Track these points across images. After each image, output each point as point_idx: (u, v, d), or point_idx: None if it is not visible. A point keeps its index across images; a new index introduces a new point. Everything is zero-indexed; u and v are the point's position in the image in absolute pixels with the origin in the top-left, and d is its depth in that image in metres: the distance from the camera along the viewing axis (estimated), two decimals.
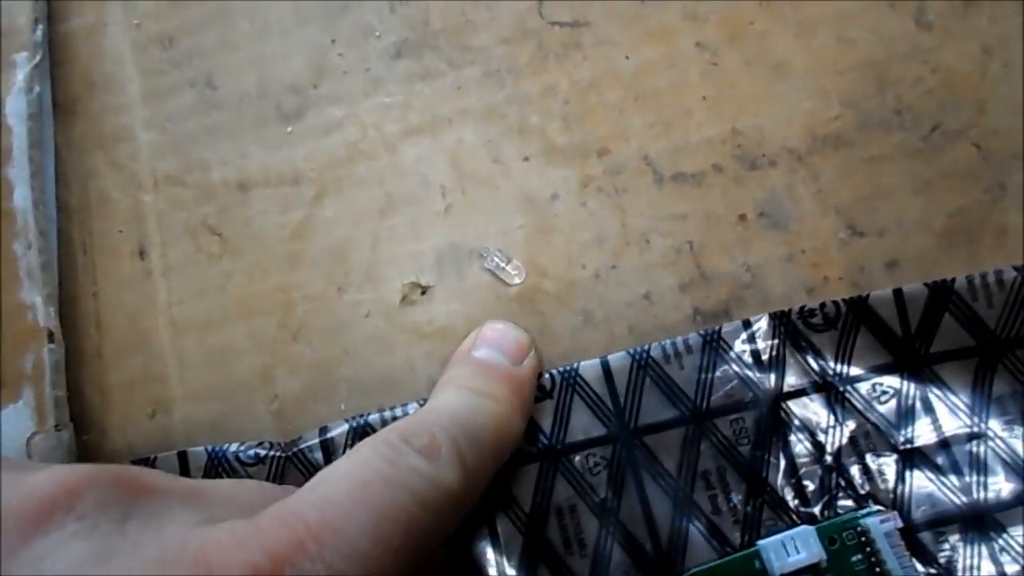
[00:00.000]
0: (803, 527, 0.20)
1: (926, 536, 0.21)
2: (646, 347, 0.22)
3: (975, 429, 0.21)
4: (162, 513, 0.15)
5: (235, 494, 0.17)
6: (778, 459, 0.21)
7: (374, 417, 0.22)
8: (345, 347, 0.23)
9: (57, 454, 0.21)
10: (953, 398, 0.22)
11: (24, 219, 0.23)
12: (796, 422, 0.22)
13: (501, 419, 0.19)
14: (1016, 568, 0.21)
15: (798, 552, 0.20)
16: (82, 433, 0.23)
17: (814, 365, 0.22)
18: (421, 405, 0.22)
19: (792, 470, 0.21)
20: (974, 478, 0.21)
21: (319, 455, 0.22)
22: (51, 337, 0.22)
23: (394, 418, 0.22)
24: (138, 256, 0.25)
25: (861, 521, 0.20)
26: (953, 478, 0.21)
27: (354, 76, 0.26)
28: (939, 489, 0.21)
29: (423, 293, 0.24)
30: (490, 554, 0.21)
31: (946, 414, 0.22)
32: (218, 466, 0.22)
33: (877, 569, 0.20)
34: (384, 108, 0.25)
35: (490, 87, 0.25)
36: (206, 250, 0.25)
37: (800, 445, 0.21)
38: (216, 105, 0.26)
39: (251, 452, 0.22)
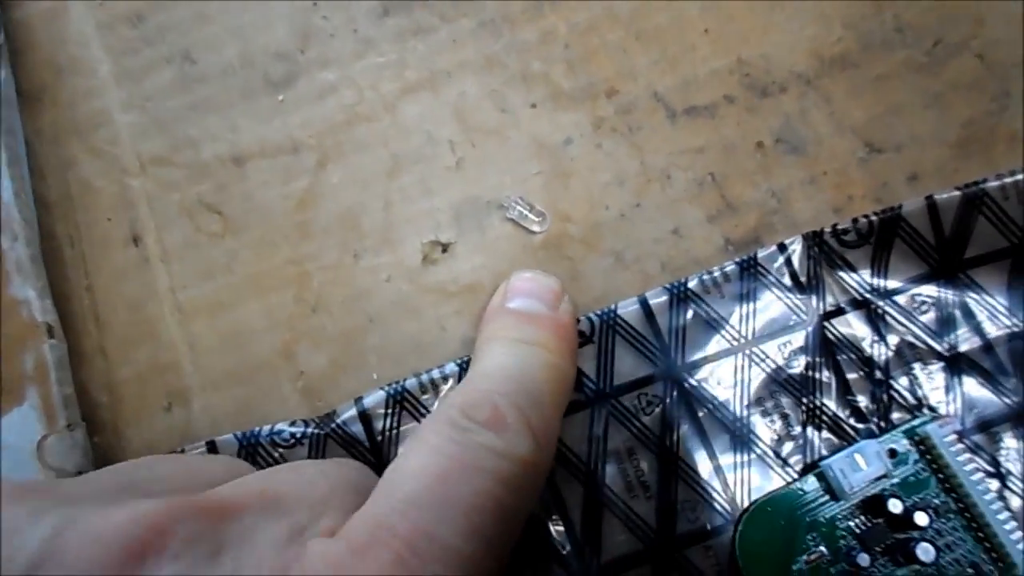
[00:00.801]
0: (864, 442, 0.20)
1: (981, 438, 0.21)
2: (683, 280, 0.21)
3: (1015, 329, 0.21)
4: (251, 536, 0.14)
5: (303, 487, 0.16)
6: (829, 379, 0.21)
7: (411, 382, 0.21)
8: (369, 314, 0.22)
9: (74, 456, 0.19)
10: (991, 301, 0.22)
11: (7, 211, 0.21)
12: (842, 340, 0.21)
13: (555, 369, 0.19)
14: None
15: (863, 467, 0.19)
16: (93, 435, 0.22)
17: (853, 282, 0.22)
18: (459, 365, 0.21)
19: (844, 388, 0.21)
20: (1020, 376, 0.21)
21: (359, 427, 0.20)
22: (51, 332, 0.20)
23: (431, 381, 0.21)
24: (132, 243, 0.23)
25: (919, 429, 0.20)
26: (1001, 379, 0.21)
27: (342, 38, 0.25)
28: (988, 391, 0.21)
29: (444, 251, 0.23)
30: (551, 507, 0.20)
31: (986, 318, 0.22)
32: (252, 452, 0.20)
33: (940, 475, 0.20)
34: (378, 68, 0.24)
35: (486, 37, 0.24)
36: (206, 230, 0.23)
37: (848, 363, 0.21)
38: (198, 80, 0.25)
39: (286, 433, 0.20)
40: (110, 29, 0.25)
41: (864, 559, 0.19)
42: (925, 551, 0.19)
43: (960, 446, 0.20)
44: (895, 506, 0.19)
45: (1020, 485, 0.20)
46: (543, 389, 0.18)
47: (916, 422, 0.20)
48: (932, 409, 0.21)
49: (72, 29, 0.25)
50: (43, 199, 0.24)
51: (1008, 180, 0.21)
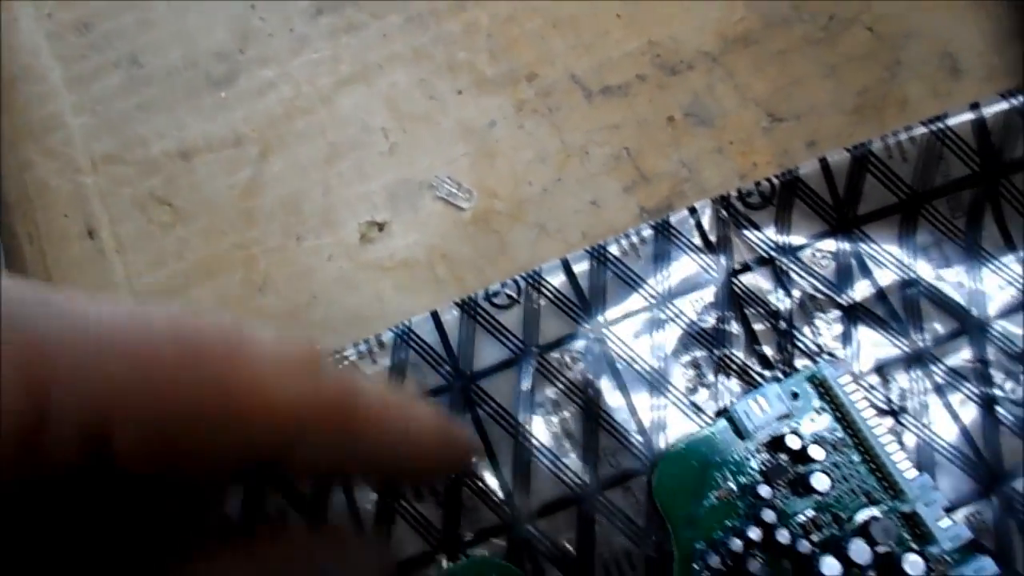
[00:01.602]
0: (767, 385, 0.22)
1: (875, 380, 0.23)
2: (602, 243, 0.23)
3: (906, 278, 0.23)
4: None
5: None
6: (738, 331, 0.23)
7: (350, 351, 0.22)
8: (312, 292, 0.24)
9: None
10: (883, 253, 0.24)
11: None
12: (749, 295, 0.23)
13: None
14: (958, 396, 0.23)
15: (766, 408, 0.21)
16: None
17: (758, 241, 0.24)
18: (395, 333, 0.23)
19: (752, 338, 0.23)
20: (912, 323, 0.23)
21: None
22: None
23: (368, 349, 0.22)
24: (88, 237, 0.25)
25: (818, 373, 0.22)
26: (893, 324, 0.23)
27: (279, 37, 0.26)
28: (882, 336, 0.23)
29: (380, 230, 0.24)
30: (484, 462, 0.22)
31: (879, 269, 0.23)
32: None
33: (838, 414, 0.22)
34: (314, 64, 0.26)
35: (414, 31, 0.26)
36: (158, 221, 0.25)
37: (755, 315, 0.23)
38: (144, 82, 0.26)
39: None
40: (59, 38, 0.26)
41: (766, 491, 0.21)
42: (819, 480, 0.21)
43: (854, 386, 0.22)
44: (793, 442, 0.21)
45: (912, 421, 0.22)
46: None
47: (815, 367, 0.22)
48: (831, 355, 0.23)
49: (23, 39, 0.27)
50: (3, 200, 0.25)
51: (891, 140, 0.23)
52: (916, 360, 0.23)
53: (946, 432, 0.22)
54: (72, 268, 0.25)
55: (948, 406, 0.23)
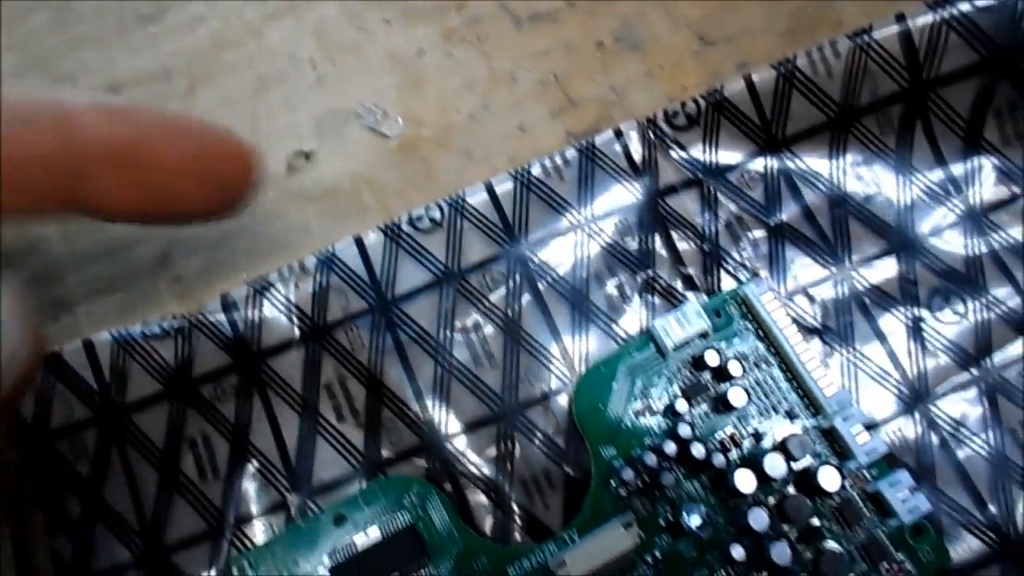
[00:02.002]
0: (687, 303, 0.21)
1: (801, 299, 0.23)
2: (526, 166, 0.23)
3: (835, 197, 0.23)
4: None
5: None
6: (663, 252, 0.23)
7: (273, 276, 0.22)
8: (239, 221, 0.24)
9: None
10: (812, 173, 0.23)
11: None
12: (675, 217, 0.23)
13: None
14: (886, 316, 0.22)
15: (685, 325, 0.21)
16: None
17: (684, 163, 0.23)
18: (318, 258, 0.23)
19: (677, 260, 0.23)
20: (840, 242, 0.23)
21: (222, 316, 0.22)
22: None
23: (292, 273, 0.22)
24: None
25: (739, 291, 0.22)
26: (821, 244, 0.23)
27: None
28: (809, 256, 0.23)
29: (307, 159, 0.24)
30: (402, 378, 0.22)
31: (808, 189, 0.23)
32: (124, 347, 0.22)
33: (760, 331, 0.22)
34: None
35: None
36: None
37: (681, 237, 0.23)
38: (74, 20, 0.26)
39: (156, 328, 0.22)
40: None
41: (683, 406, 0.21)
42: (736, 396, 0.21)
43: (776, 304, 0.21)
44: (712, 358, 0.21)
45: (837, 340, 0.22)
46: None
47: (737, 286, 0.22)
48: (755, 275, 0.22)
49: None
50: None
51: (816, 55, 0.23)
52: (843, 280, 0.23)
53: (871, 351, 0.22)
54: None
55: (874, 326, 0.22)
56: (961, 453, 0.21)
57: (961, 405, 0.22)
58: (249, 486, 0.21)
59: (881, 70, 0.23)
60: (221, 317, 0.22)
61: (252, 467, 0.21)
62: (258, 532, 0.21)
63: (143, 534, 0.21)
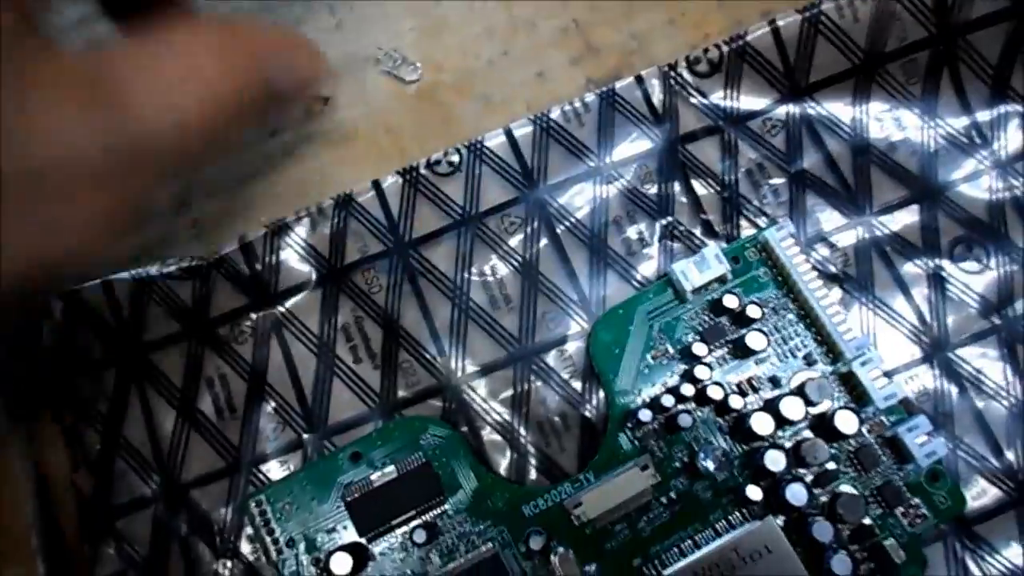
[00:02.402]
0: (707, 247, 0.21)
1: (822, 246, 0.22)
2: (546, 111, 0.23)
3: (857, 145, 0.23)
4: None
5: None
6: (683, 198, 0.23)
7: (290, 219, 0.22)
8: (256, 165, 0.24)
9: None
10: (835, 121, 0.23)
11: None
12: (696, 163, 0.23)
13: None
14: (907, 264, 0.22)
15: (704, 269, 0.21)
16: None
17: (706, 110, 0.23)
18: (335, 201, 0.23)
19: (696, 206, 0.23)
20: (861, 190, 0.23)
21: (239, 257, 0.22)
22: None
23: (309, 216, 0.22)
24: None
25: (760, 236, 0.22)
26: (842, 192, 0.23)
27: None
28: (830, 204, 0.23)
29: (325, 103, 0.24)
30: (419, 320, 0.22)
31: (830, 137, 0.23)
32: (143, 288, 0.22)
33: (780, 277, 0.21)
34: None
35: None
36: None
37: (700, 183, 0.23)
38: None
39: (173, 268, 0.22)
40: None
41: (701, 349, 0.21)
42: (755, 340, 0.20)
43: (796, 249, 0.21)
44: (731, 301, 0.21)
45: (857, 287, 0.22)
46: None
47: (757, 232, 0.22)
48: (775, 221, 0.22)
49: None
50: None
51: (844, 0, 0.22)
52: (864, 228, 0.22)
53: (892, 299, 0.22)
54: None
55: (895, 274, 0.22)
56: (980, 401, 0.21)
57: (981, 354, 0.21)
58: (266, 425, 0.21)
59: (909, 15, 0.22)
60: (239, 258, 0.22)
61: (269, 407, 0.22)
62: (275, 470, 0.21)
63: (161, 470, 0.21)
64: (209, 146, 0.17)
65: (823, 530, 0.19)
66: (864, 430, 0.20)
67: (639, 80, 0.23)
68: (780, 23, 0.23)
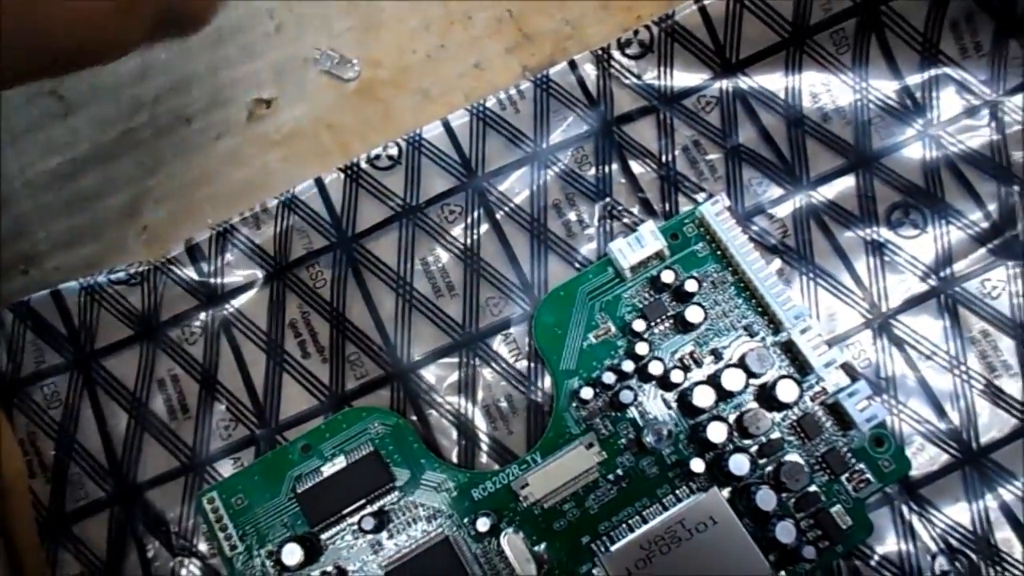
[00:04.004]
0: (644, 224, 0.21)
1: (760, 218, 0.23)
2: (482, 101, 0.23)
3: (791, 117, 0.23)
4: None
5: None
6: (620, 179, 0.23)
7: (235, 219, 0.23)
8: (203, 169, 0.24)
9: None
10: (769, 94, 0.23)
11: None
12: (632, 143, 0.23)
13: None
14: (848, 235, 0.22)
15: (641, 246, 0.21)
16: None
17: (640, 90, 0.23)
18: (279, 200, 0.23)
19: (634, 186, 0.23)
20: (797, 160, 0.23)
21: (186, 260, 0.22)
22: None
23: (254, 216, 0.23)
24: None
25: (695, 211, 0.22)
26: (779, 164, 0.23)
27: None
28: (767, 177, 0.23)
29: (268, 106, 0.24)
30: (365, 312, 0.22)
31: (764, 111, 0.23)
32: (93, 295, 0.22)
33: (718, 251, 0.22)
34: None
35: None
36: (50, 112, 0.25)
37: (638, 163, 0.23)
38: None
39: (122, 274, 0.22)
40: None
41: (640, 325, 0.21)
42: (693, 313, 0.21)
43: (732, 222, 0.21)
44: (668, 276, 0.21)
45: (796, 257, 0.22)
46: None
47: (695, 206, 0.22)
48: (712, 196, 0.22)
49: None
50: None
51: None
52: (801, 198, 0.23)
53: (832, 268, 0.22)
54: None
55: (834, 243, 0.22)
56: (922, 365, 0.21)
57: (922, 318, 0.22)
58: (219, 424, 0.22)
59: None
60: (186, 261, 0.22)
61: (221, 406, 0.22)
62: (228, 468, 0.21)
63: (115, 473, 0.21)
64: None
65: (766, 498, 0.19)
66: (807, 398, 0.20)
67: (572, 65, 0.23)
68: (707, 1, 0.23)
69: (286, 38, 0.25)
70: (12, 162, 0.25)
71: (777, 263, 0.22)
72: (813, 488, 0.20)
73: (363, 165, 0.23)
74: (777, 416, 0.20)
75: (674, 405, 0.21)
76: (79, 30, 0.17)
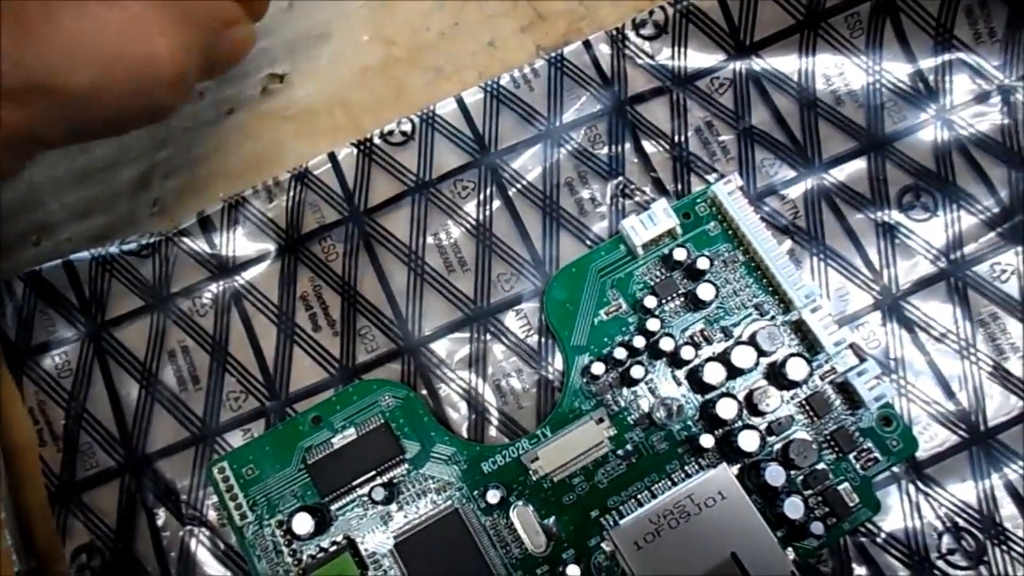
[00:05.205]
0: (656, 202, 0.22)
1: (772, 199, 0.23)
2: (496, 78, 0.23)
3: (804, 100, 0.23)
4: None
5: None
6: (633, 158, 0.23)
7: (248, 192, 0.23)
8: (214, 144, 0.24)
9: None
10: (782, 77, 0.23)
11: None
12: (644, 123, 0.23)
13: None
14: (860, 217, 0.22)
15: (654, 224, 0.21)
16: None
17: (653, 71, 0.23)
18: (291, 173, 0.23)
19: (647, 165, 0.23)
20: (809, 142, 0.23)
21: (198, 232, 0.22)
22: None
23: (266, 189, 0.23)
24: None
25: (708, 190, 0.22)
26: (791, 146, 0.23)
27: None
28: (779, 158, 0.23)
29: (281, 81, 0.24)
30: (376, 286, 0.22)
31: (778, 93, 0.23)
32: (104, 265, 0.22)
33: (729, 230, 0.22)
34: None
35: None
36: None
37: (650, 143, 0.23)
38: None
39: (134, 245, 0.23)
40: None
41: (651, 302, 0.21)
42: (705, 291, 0.21)
43: (744, 202, 0.21)
44: (680, 254, 0.21)
45: (807, 238, 0.22)
46: None
47: (707, 187, 0.22)
48: (724, 176, 0.23)
49: None
50: None
51: None
52: (813, 180, 0.23)
53: (842, 248, 0.22)
54: None
55: (845, 224, 0.22)
56: (931, 346, 0.21)
57: (932, 300, 0.22)
58: (229, 395, 0.22)
59: None
60: (197, 233, 0.22)
61: (232, 377, 0.22)
62: (238, 439, 0.21)
63: (125, 443, 0.21)
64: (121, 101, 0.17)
65: (775, 474, 0.19)
66: (816, 377, 0.21)
67: (587, 45, 0.23)
68: None
69: (298, 14, 0.25)
70: None
71: (788, 243, 0.22)
72: (821, 466, 0.20)
73: (376, 140, 0.23)
74: (786, 394, 0.20)
75: (684, 382, 0.21)
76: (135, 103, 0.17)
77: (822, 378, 0.21)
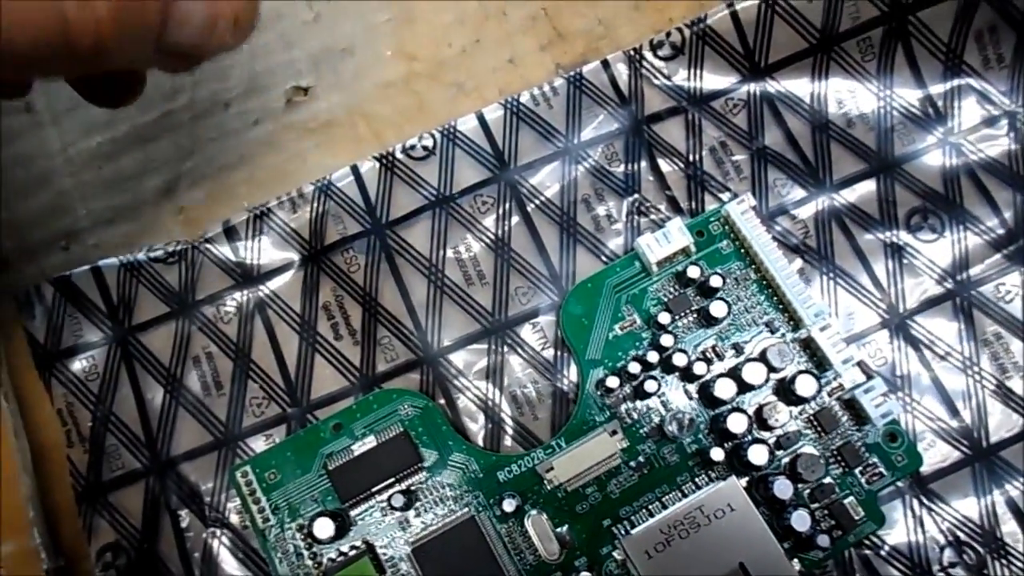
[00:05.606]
0: (671, 221, 0.22)
1: (784, 219, 0.23)
2: (516, 95, 0.24)
3: (816, 122, 0.24)
4: None
5: None
6: (649, 176, 0.23)
7: (272, 203, 0.23)
8: (239, 153, 0.25)
9: None
10: (795, 99, 0.24)
11: None
12: (661, 143, 0.24)
13: None
14: (868, 237, 0.23)
15: (668, 242, 0.22)
16: None
17: (670, 91, 0.24)
18: (315, 186, 0.23)
19: (662, 184, 0.23)
20: (821, 164, 0.24)
21: (223, 240, 0.23)
22: None
23: (290, 200, 0.23)
24: (24, 111, 0.26)
25: (721, 209, 0.22)
26: (803, 167, 0.23)
27: None
28: (791, 178, 0.23)
29: (305, 93, 0.25)
30: (397, 297, 0.23)
31: (791, 115, 0.24)
32: (131, 271, 0.23)
33: (742, 249, 0.22)
34: None
35: None
36: None
37: (666, 161, 0.24)
38: None
39: (159, 251, 0.23)
40: None
41: (665, 318, 0.21)
42: (717, 308, 0.21)
43: (756, 221, 0.22)
44: (693, 271, 0.22)
45: (817, 257, 0.23)
46: None
47: (720, 205, 0.23)
48: (737, 195, 0.23)
49: None
50: None
51: None
52: (824, 200, 0.23)
53: (851, 268, 0.23)
54: (13, 138, 0.25)
55: (854, 244, 0.23)
56: (937, 364, 0.22)
57: (938, 319, 0.22)
58: (251, 401, 0.22)
59: None
60: (223, 242, 0.23)
61: (254, 383, 0.22)
62: (260, 444, 0.22)
63: (150, 445, 0.22)
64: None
65: (783, 488, 0.20)
66: (824, 392, 0.21)
67: (605, 64, 0.24)
68: (739, 6, 0.24)
69: (323, 27, 0.26)
70: (54, 140, 0.25)
71: (799, 262, 0.23)
72: (828, 480, 0.21)
73: (398, 155, 0.24)
74: (795, 410, 0.21)
75: (696, 396, 0.21)
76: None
77: (830, 394, 0.21)
